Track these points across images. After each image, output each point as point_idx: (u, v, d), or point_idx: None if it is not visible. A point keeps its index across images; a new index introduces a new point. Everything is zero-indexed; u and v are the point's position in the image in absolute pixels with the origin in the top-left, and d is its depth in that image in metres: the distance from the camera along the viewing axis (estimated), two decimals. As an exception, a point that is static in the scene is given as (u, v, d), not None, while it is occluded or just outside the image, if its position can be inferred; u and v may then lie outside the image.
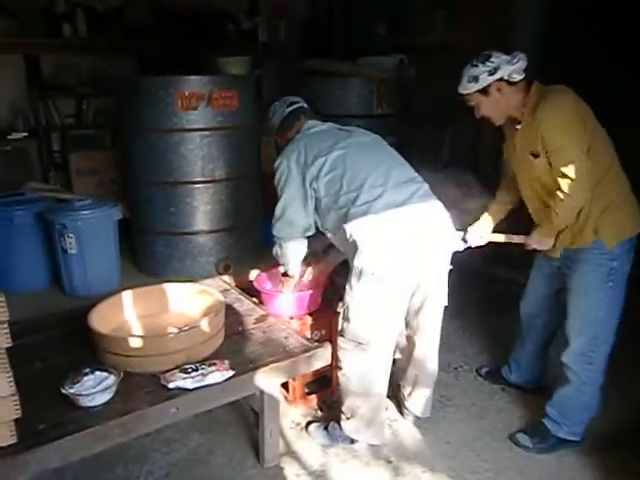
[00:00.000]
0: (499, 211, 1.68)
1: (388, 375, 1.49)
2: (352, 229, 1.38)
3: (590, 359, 1.48)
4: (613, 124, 1.43)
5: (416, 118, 3.36)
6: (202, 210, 2.77)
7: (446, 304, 1.54)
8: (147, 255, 2.91)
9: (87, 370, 1.13)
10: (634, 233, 1.42)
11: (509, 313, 1.80)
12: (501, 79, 1.39)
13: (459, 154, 3.29)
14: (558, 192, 1.35)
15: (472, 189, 2.59)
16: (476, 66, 1.40)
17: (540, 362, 1.78)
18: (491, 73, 1.39)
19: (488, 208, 1.70)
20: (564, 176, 1.33)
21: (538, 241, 1.49)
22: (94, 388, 1.07)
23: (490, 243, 1.67)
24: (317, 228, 1.54)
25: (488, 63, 1.39)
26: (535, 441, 1.56)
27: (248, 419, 1.66)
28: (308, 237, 1.56)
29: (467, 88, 1.43)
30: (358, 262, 1.37)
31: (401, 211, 1.36)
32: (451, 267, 1.50)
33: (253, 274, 1.85)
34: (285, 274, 1.68)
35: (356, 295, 1.40)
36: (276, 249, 1.59)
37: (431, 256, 1.42)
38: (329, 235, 1.52)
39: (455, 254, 1.49)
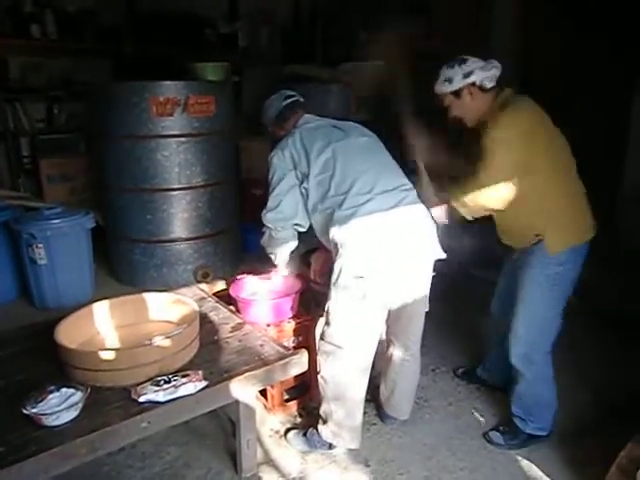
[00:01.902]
0: None
1: (367, 380, 1.50)
2: (335, 232, 1.39)
3: (532, 359, 1.53)
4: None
5: (393, 124, 3.40)
6: (179, 217, 2.73)
7: (427, 309, 1.56)
8: (123, 264, 2.85)
9: (52, 387, 1.09)
10: (579, 241, 1.47)
11: (486, 313, 1.84)
12: (473, 84, 1.45)
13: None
14: (474, 178, 1.42)
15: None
16: (452, 67, 1.46)
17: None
18: (465, 76, 1.45)
19: None
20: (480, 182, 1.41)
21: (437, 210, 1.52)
22: (59, 406, 1.04)
23: None
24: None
25: (464, 66, 1.45)
26: (507, 438, 1.60)
27: (226, 429, 1.64)
28: (299, 233, 1.58)
29: (441, 88, 1.48)
30: (338, 265, 1.39)
31: (385, 218, 1.37)
32: (434, 273, 1.51)
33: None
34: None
35: (337, 298, 1.40)
36: (265, 238, 1.59)
37: (413, 263, 1.43)
38: (317, 235, 1.53)
39: (437, 261, 1.50)
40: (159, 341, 1.24)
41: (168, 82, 2.56)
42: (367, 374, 1.49)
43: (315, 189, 1.44)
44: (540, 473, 1.50)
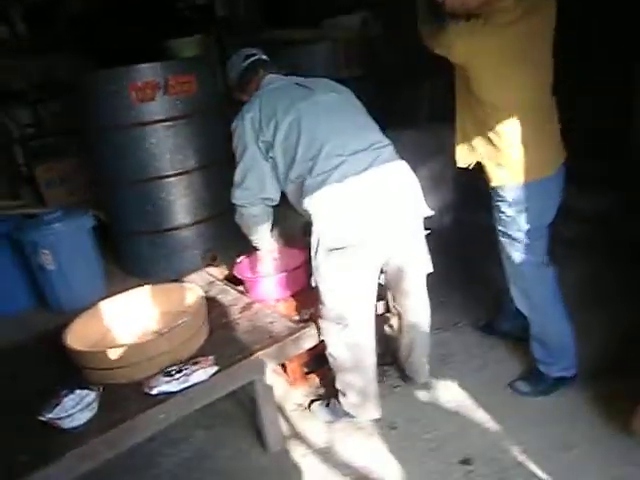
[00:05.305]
0: None
1: (374, 345, 1.44)
2: (308, 202, 1.29)
3: (526, 294, 1.49)
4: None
5: (388, 75, 3.19)
6: (179, 204, 2.68)
7: (431, 270, 1.48)
8: (131, 257, 2.85)
9: (65, 391, 1.09)
10: (535, 178, 1.35)
11: (498, 262, 1.75)
12: None
13: (439, 107, 3.16)
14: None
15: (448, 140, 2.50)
16: None
17: None
18: None
19: None
20: None
21: None
22: (74, 408, 1.04)
23: None
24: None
25: None
26: (533, 385, 1.57)
27: (249, 408, 1.64)
28: (273, 206, 1.46)
29: None
30: (315, 237, 1.30)
31: (360, 180, 1.25)
32: (428, 231, 1.42)
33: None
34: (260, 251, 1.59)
35: (321, 273, 1.33)
36: (237, 216, 1.48)
37: (396, 224, 1.33)
38: (294, 205, 1.41)
39: (427, 219, 1.40)
40: (165, 332, 1.22)
41: (144, 65, 2.43)
42: (372, 340, 1.42)
43: (282, 157, 1.31)
44: (569, 416, 1.47)
